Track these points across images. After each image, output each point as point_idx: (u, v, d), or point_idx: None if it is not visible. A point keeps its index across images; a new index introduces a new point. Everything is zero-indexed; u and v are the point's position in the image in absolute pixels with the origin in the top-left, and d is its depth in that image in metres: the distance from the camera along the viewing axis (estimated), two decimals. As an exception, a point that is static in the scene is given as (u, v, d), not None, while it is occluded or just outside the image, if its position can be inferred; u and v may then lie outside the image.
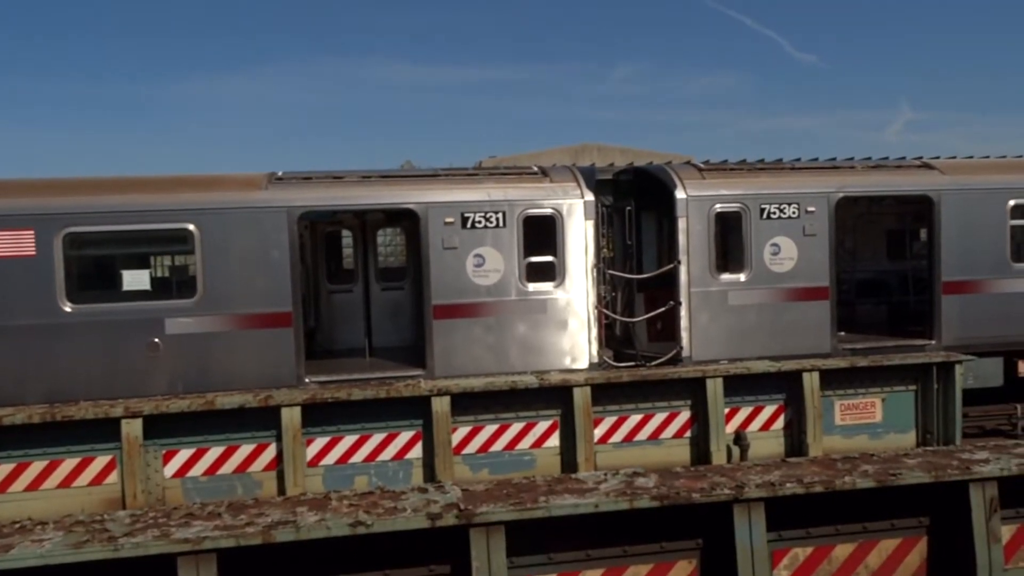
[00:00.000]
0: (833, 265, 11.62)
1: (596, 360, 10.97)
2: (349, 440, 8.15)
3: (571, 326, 10.95)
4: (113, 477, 7.72)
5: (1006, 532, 5.08)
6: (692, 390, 8.74)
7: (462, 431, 8.33)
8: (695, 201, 11.30)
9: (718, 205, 11.37)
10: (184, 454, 7.88)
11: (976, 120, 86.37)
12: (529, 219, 10.91)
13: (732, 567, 4.67)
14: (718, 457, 8.60)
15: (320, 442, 8.09)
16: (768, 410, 8.97)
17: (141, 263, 10.70)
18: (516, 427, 8.46)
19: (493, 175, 11.46)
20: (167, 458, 7.84)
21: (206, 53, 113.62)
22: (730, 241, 11.84)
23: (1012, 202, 12.07)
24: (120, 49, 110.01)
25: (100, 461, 7.72)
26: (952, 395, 9.05)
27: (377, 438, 8.20)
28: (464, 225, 10.72)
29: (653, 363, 11.05)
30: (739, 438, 8.73)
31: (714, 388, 8.64)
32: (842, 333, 12.21)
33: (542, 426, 8.51)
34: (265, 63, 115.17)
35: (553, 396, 8.48)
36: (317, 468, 8.07)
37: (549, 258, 11.00)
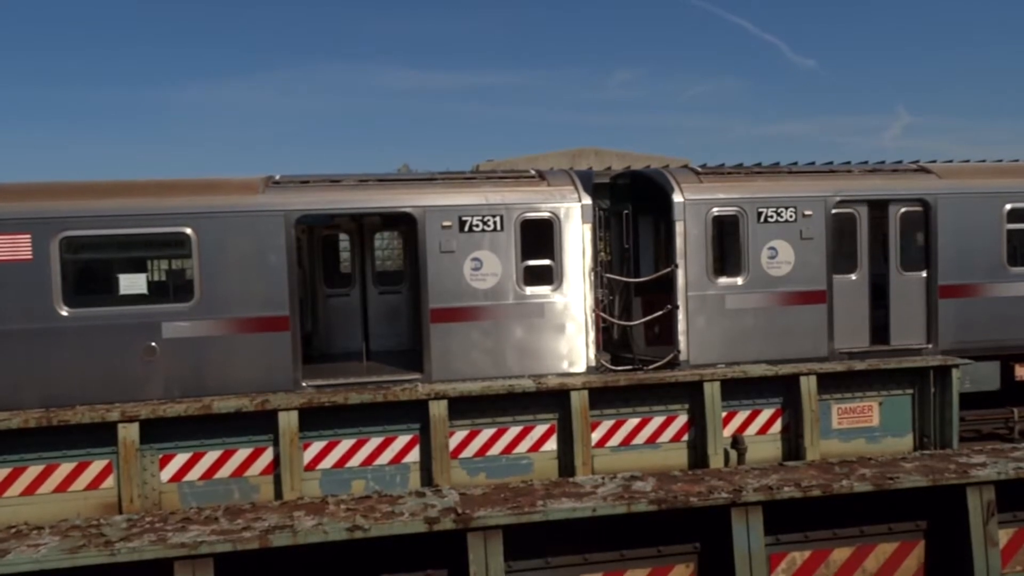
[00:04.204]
0: (831, 269, 11.64)
1: (593, 364, 10.97)
2: (346, 444, 8.14)
3: (568, 330, 10.94)
4: (109, 482, 7.69)
5: (1003, 536, 5.08)
6: (689, 394, 8.74)
7: (459, 435, 8.32)
8: (692, 205, 11.31)
9: (715, 209, 11.38)
10: (181, 458, 7.86)
11: (973, 124, 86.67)
12: (526, 223, 10.91)
13: (730, 571, 4.67)
14: (715, 461, 8.59)
15: (317, 446, 8.08)
16: (765, 414, 8.97)
17: (138, 267, 10.67)
18: (513, 431, 8.45)
19: (490, 179, 11.46)
20: (164, 462, 7.82)
21: (204, 59, 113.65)
22: (727, 245, 11.85)
23: (1008, 206, 12.11)
24: (119, 54, 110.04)
25: (96, 466, 7.70)
26: (949, 399, 9.06)
27: (374, 442, 8.18)
28: (461, 229, 10.72)
29: (650, 367, 11.05)
30: (736, 442, 8.73)
31: (711, 392, 8.63)
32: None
33: (539, 430, 8.50)
34: (262, 68, 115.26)
35: (551, 400, 8.47)
36: (314, 472, 8.05)
37: (547, 262, 10.99)
